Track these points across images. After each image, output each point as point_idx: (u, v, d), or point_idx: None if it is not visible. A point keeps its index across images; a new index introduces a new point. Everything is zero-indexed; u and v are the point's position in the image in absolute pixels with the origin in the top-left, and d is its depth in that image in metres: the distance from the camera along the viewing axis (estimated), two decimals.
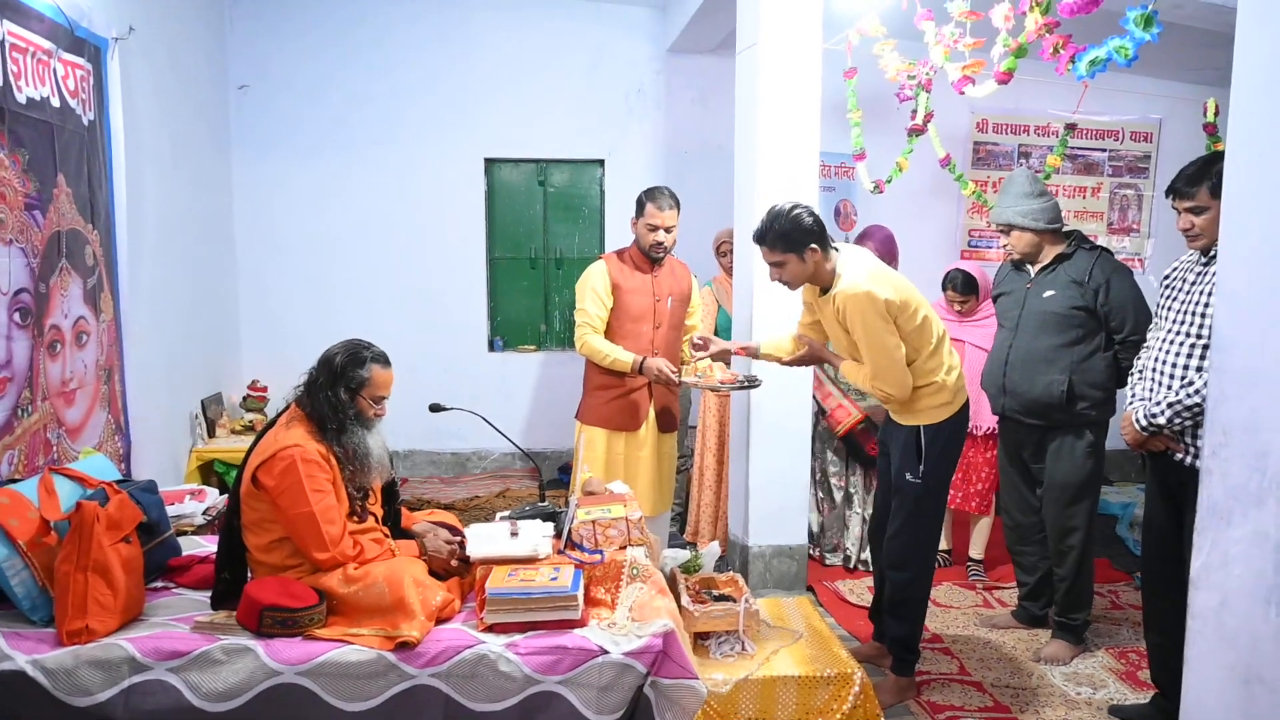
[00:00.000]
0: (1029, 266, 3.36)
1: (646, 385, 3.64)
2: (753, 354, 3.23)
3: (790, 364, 3.14)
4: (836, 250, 2.84)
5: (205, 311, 4.87)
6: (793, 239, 2.76)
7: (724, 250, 4.40)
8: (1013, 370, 3.32)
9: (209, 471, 4.53)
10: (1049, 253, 3.29)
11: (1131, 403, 2.74)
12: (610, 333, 3.61)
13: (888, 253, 4.20)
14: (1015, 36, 2.80)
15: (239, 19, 5.27)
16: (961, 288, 3.96)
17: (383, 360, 2.52)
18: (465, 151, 5.53)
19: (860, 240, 4.23)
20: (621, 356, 3.53)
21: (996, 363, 3.41)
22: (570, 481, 3.67)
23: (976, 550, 4.19)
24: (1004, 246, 3.36)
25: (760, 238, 2.83)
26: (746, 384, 3.37)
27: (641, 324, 3.62)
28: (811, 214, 2.78)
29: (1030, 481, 3.47)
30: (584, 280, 3.63)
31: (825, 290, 2.84)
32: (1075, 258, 3.25)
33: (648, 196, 3.56)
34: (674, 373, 3.52)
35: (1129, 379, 2.86)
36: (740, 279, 4.00)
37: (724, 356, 3.31)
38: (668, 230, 3.55)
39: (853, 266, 2.78)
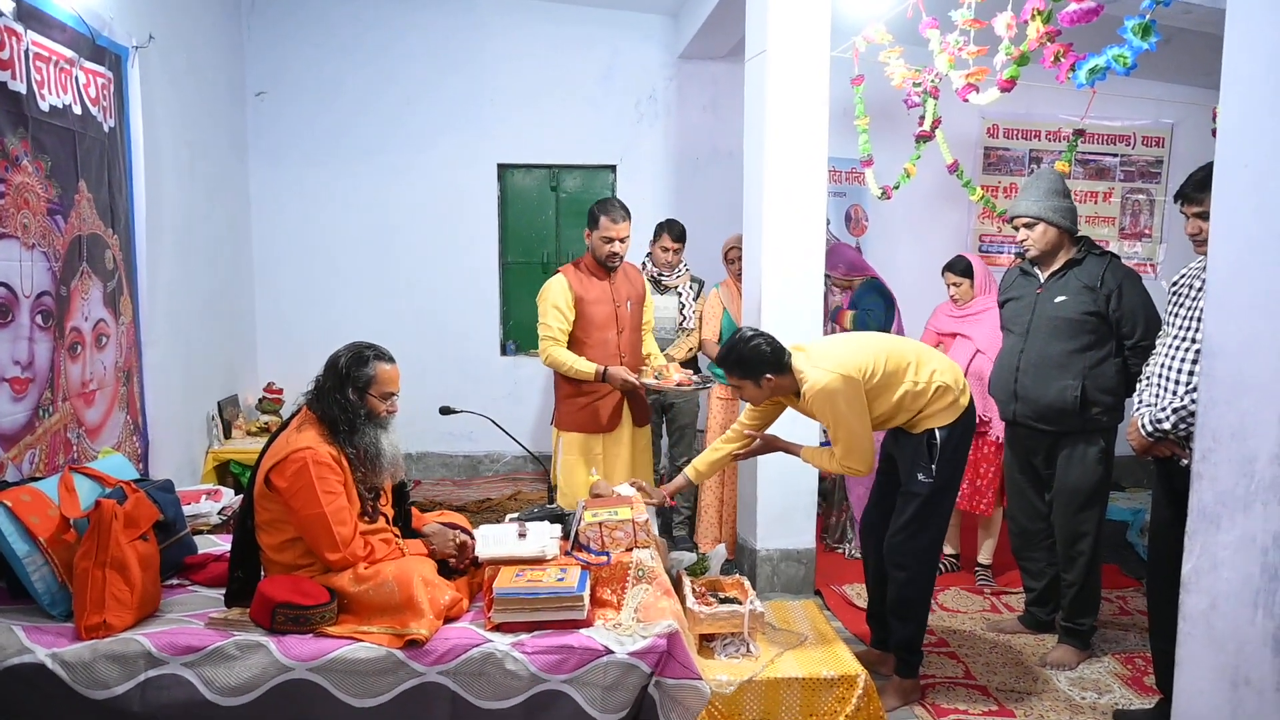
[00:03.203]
0: (1038, 272, 3.37)
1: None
2: (681, 489, 3.29)
3: (742, 458, 3.22)
4: (796, 353, 2.91)
5: (222, 315, 4.95)
6: (748, 367, 2.88)
7: (732, 257, 4.45)
8: (1024, 376, 3.32)
9: (225, 472, 4.61)
10: (1061, 257, 3.30)
11: (1138, 409, 2.76)
12: (577, 344, 3.69)
13: (856, 266, 4.35)
14: (1017, 45, 2.82)
15: (256, 26, 5.35)
16: (955, 268, 4.10)
17: (386, 357, 2.57)
18: (478, 157, 5.58)
19: (833, 260, 4.33)
20: (583, 367, 3.60)
21: (1007, 369, 3.40)
22: (550, 484, 3.74)
23: (984, 555, 4.20)
24: (1021, 242, 3.33)
25: (720, 363, 2.97)
26: (702, 384, 3.47)
27: (607, 331, 3.69)
28: (770, 343, 2.87)
29: (1040, 487, 3.46)
30: (544, 295, 3.69)
31: (798, 394, 2.92)
32: (1086, 263, 3.25)
33: (601, 210, 3.65)
34: (635, 378, 3.62)
35: (1137, 385, 2.87)
36: (749, 285, 4.03)
37: (660, 503, 3.28)
38: (622, 241, 3.65)
39: (811, 366, 2.86)
